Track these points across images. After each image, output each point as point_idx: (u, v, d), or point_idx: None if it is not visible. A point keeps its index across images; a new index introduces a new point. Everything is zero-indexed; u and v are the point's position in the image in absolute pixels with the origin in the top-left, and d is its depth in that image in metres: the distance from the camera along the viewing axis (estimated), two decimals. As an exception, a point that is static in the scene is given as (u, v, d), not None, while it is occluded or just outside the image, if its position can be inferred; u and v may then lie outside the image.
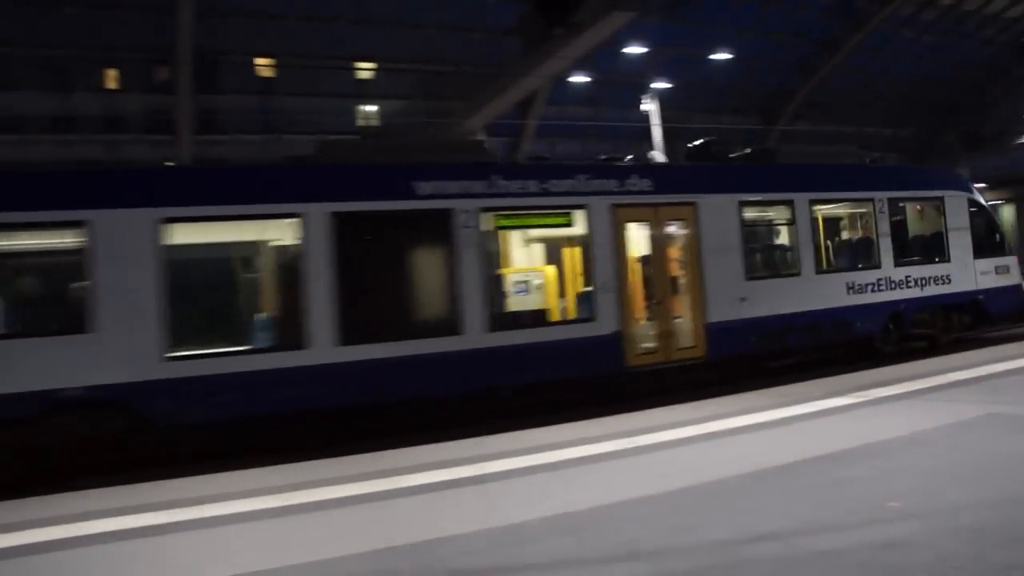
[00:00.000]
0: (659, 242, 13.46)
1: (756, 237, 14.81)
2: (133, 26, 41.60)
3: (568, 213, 12.80)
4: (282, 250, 11.53)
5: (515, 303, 12.82)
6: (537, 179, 12.60)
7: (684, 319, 13.56)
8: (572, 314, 13.23)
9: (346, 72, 44.02)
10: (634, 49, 34.48)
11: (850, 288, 15.02)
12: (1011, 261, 17.51)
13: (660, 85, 32.66)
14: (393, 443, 8.95)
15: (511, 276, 13.19)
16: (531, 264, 13.94)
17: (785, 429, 8.28)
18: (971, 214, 16.78)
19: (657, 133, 30.96)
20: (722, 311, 13.52)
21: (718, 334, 13.47)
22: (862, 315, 15.06)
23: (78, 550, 5.49)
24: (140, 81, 46.40)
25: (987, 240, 17.09)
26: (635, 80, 34.90)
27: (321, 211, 10.83)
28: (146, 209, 9.98)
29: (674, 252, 13.78)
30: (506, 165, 14.23)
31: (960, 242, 16.47)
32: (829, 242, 16.37)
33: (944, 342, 16.19)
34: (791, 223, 14.69)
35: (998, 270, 17.02)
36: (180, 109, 41.78)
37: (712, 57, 37.20)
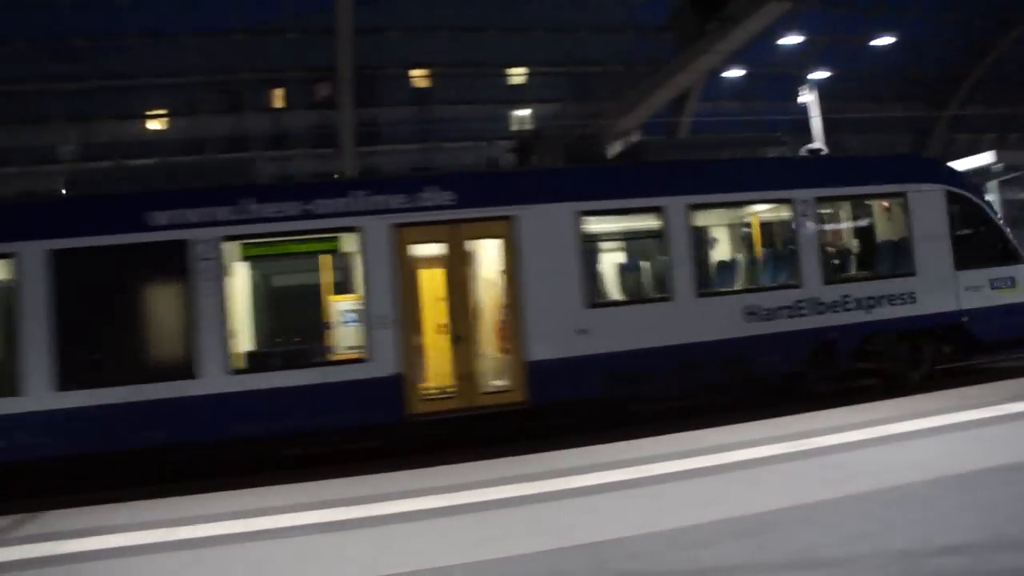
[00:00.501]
0: (460, 266, 11.44)
1: (604, 254, 12.59)
2: (296, 47, 43.78)
3: (335, 237, 11.17)
4: None
5: (266, 342, 11.44)
6: (299, 200, 11.00)
7: (495, 357, 11.75)
8: (339, 354, 11.12)
9: (499, 78, 44.73)
10: (790, 39, 33.28)
11: (750, 314, 12.04)
12: (1018, 271, 13.36)
13: (819, 75, 31.44)
14: (555, 444, 9.06)
15: (261, 312, 11.76)
16: (298, 297, 12.29)
17: (963, 435, 7.79)
18: (954, 212, 13.10)
19: (816, 125, 29.87)
20: (551, 346, 11.21)
21: (545, 374, 11.14)
22: (768, 348, 12.00)
23: (268, 542, 5.86)
24: (304, 98, 48.81)
25: (981, 245, 13.28)
26: (792, 71, 33.81)
27: (39, 249, 10.01)
28: None
29: (482, 277, 12.01)
30: (262, 187, 12.00)
31: (933, 249, 12.88)
32: (719, 256, 13.29)
33: (916, 380, 12.69)
34: (660, 234, 11.99)
35: (996, 284, 13.13)
36: (342, 123, 43.62)
37: (874, 43, 35.38)
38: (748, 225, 13.72)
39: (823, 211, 13.12)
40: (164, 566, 5.40)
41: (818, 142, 28.19)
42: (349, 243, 11.14)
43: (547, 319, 11.24)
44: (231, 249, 10.73)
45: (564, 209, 11.52)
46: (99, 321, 10.42)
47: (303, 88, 47.72)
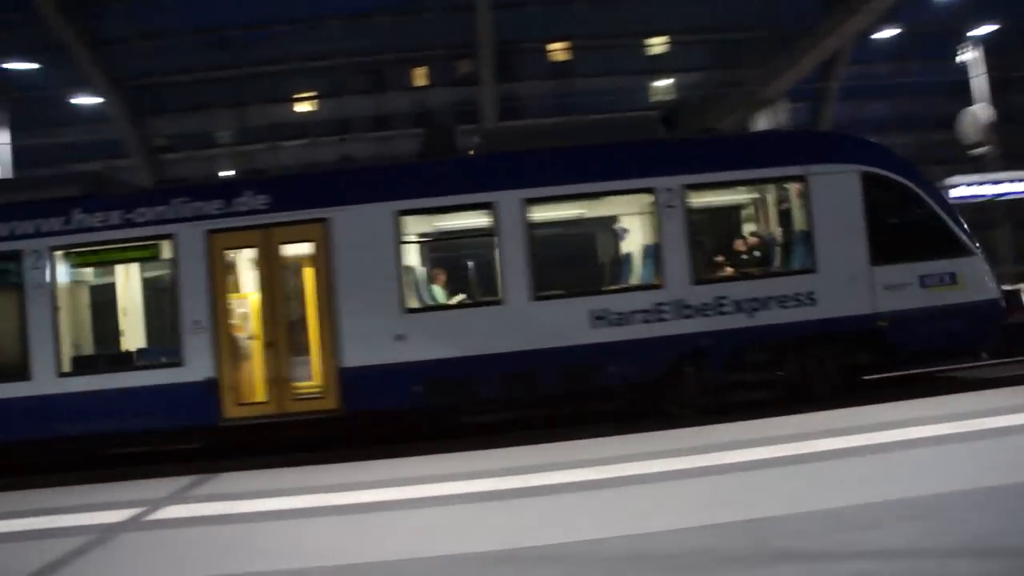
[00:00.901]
0: (273, 271, 11.29)
1: (428, 255, 12.04)
2: (437, 25, 44.35)
3: (154, 245, 11.28)
4: None
5: (92, 346, 11.78)
6: (122, 209, 11.18)
7: (308, 363, 11.27)
8: (157, 359, 11.29)
9: (640, 49, 44.08)
10: (950, -8, 31.22)
11: (597, 318, 10.90)
12: (962, 265, 11.21)
13: (983, 30, 29.38)
14: (709, 420, 8.94)
15: (86, 318, 11.93)
16: (121, 304, 12.14)
17: None
18: (874, 197, 11.20)
19: (980, 85, 27.97)
20: (366, 353, 10.85)
21: (359, 381, 10.83)
22: (620, 356, 10.87)
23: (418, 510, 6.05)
24: (446, 75, 49.52)
25: (910, 235, 11.44)
26: (951, 26, 31.76)
27: None
28: None
29: (294, 281, 11.80)
30: (88, 198, 11.59)
31: (841, 240, 11.13)
32: (562, 255, 12.26)
33: (824, 392, 11.01)
34: (491, 232, 11.14)
35: (929, 281, 11.06)
36: (484, 98, 44.03)
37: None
38: (599, 219, 12.60)
39: (694, 201, 11.41)
40: (330, 529, 5.63)
41: (982, 104, 26.44)
42: (166, 250, 11.25)
43: (362, 324, 10.89)
44: (59, 258, 11.23)
45: (381, 209, 11.07)
46: None
47: (445, 66, 48.41)
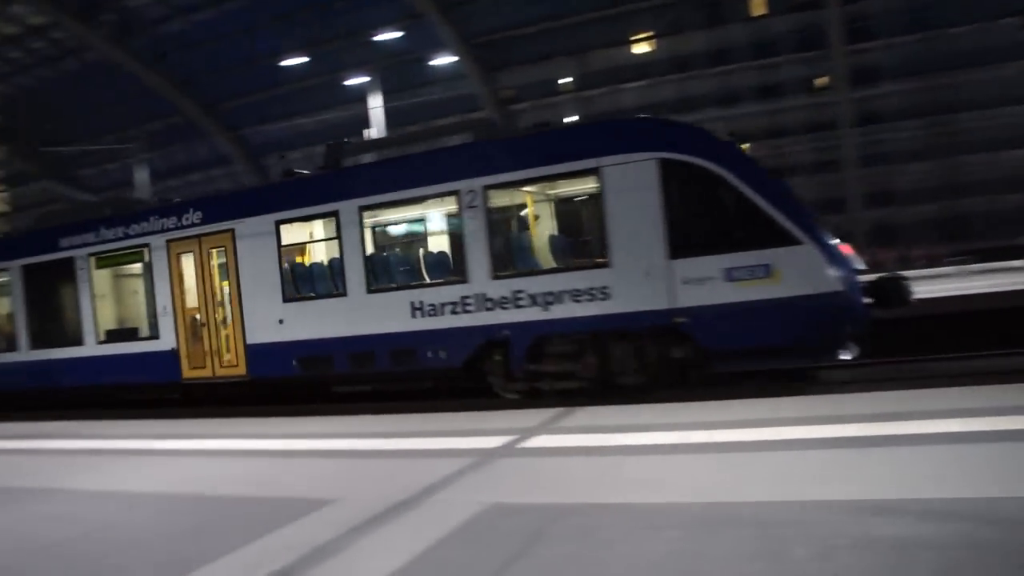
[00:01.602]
0: (204, 269, 14.38)
1: (295, 256, 13.95)
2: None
3: (140, 251, 15.08)
4: None
5: (110, 324, 15.94)
6: (124, 225, 15.30)
7: (228, 339, 14.10)
8: (145, 334, 15.25)
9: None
10: None
11: (416, 309, 12.13)
12: (781, 256, 9.92)
13: None
14: None
15: (107, 305, 16.03)
16: (126, 293, 16.29)
17: None
18: (673, 185, 10.45)
19: None
20: (260, 333, 13.60)
21: (257, 355, 13.67)
22: (434, 342, 11.96)
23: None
24: (784, 1, 47.15)
25: (716, 225, 10.54)
26: None
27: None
28: None
29: (217, 277, 14.35)
30: (108, 217, 15.78)
31: (636, 233, 10.62)
32: (391, 254, 13.50)
33: (635, 385, 10.73)
34: (336, 237, 12.95)
35: (736, 274, 10.03)
36: (829, 21, 41.30)
37: None
38: (418, 221, 13.80)
39: (494, 200, 11.86)
40: (693, 466, 5.60)
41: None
42: (147, 255, 15.01)
43: (258, 311, 13.62)
44: (93, 262, 15.76)
45: (266, 220, 13.50)
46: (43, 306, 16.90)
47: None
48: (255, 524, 4.98)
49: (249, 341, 13.77)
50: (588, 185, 11.42)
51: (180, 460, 7.86)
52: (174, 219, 14.69)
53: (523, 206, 12.60)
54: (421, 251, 13.27)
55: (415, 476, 5.92)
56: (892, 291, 10.53)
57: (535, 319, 11.30)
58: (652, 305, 10.54)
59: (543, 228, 12.53)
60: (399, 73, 47.54)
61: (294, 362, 13.31)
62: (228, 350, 14.19)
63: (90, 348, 15.79)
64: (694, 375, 10.89)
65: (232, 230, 13.92)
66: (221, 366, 14.23)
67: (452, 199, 12.07)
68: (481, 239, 11.70)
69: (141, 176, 40.26)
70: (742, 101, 50.53)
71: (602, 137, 11.34)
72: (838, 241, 10.32)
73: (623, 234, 10.75)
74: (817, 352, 10.70)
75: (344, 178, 13.37)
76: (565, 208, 12.54)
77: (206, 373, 14.44)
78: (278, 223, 13.46)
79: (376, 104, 29.44)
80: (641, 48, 52.88)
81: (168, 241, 14.68)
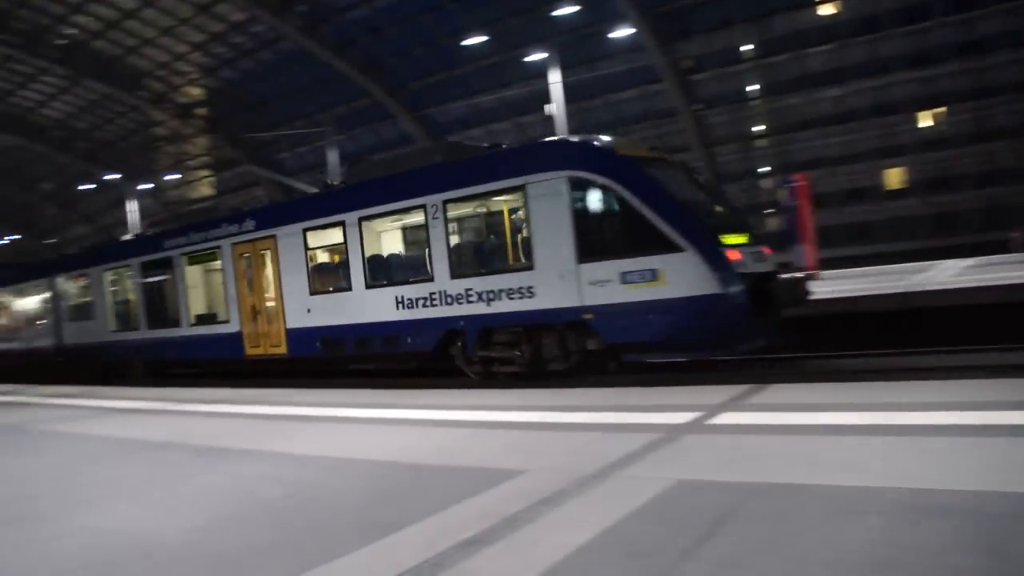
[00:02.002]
0: (257, 267, 17.36)
1: (317, 257, 16.35)
2: None
3: (215, 252, 18.34)
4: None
5: (196, 310, 19.43)
6: (206, 230, 18.69)
7: (275, 324, 16.88)
8: (221, 318, 18.42)
9: None
10: None
11: (400, 303, 14.52)
12: (667, 262, 11.13)
13: None
14: None
15: (196, 295, 19.57)
16: (208, 285, 19.69)
17: None
18: (580, 199, 12.00)
19: None
20: (296, 319, 16.35)
21: (294, 337, 16.42)
22: (413, 331, 14.35)
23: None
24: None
25: (613, 234, 11.81)
26: None
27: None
28: None
29: (267, 274, 17.12)
30: (194, 223, 19.69)
31: (552, 241, 12.26)
32: (381, 256, 15.62)
33: (562, 370, 12.63)
34: (343, 241, 15.44)
35: (629, 278, 11.40)
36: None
37: None
38: (400, 229, 15.72)
39: (451, 212, 13.89)
40: (890, 449, 5.33)
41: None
42: (219, 255, 18.27)
43: (293, 302, 16.46)
44: (184, 260, 19.36)
45: (296, 227, 16.41)
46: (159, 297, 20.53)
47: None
48: (447, 492, 5.16)
49: (288, 326, 16.69)
50: (518, 199, 12.92)
51: (372, 428, 8.26)
52: (236, 226, 17.90)
53: (472, 217, 14.45)
54: (402, 254, 15.61)
55: (601, 450, 5.95)
56: (767, 293, 11.44)
57: (481, 313, 13.28)
58: (566, 303, 12.18)
59: (486, 236, 14.38)
60: (577, 47, 47.47)
61: (318, 344, 16.03)
62: (275, 333, 17.08)
63: (184, 329, 19.49)
64: (612, 364, 12.97)
65: (275, 236, 16.88)
66: (271, 346, 17.17)
67: (421, 211, 14.15)
68: (442, 245, 13.81)
69: (332, 158, 42.20)
70: (940, 61, 47.22)
71: (527, 158, 13.13)
72: (731, 247, 11.43)
73: (543, 241, 12.44)
74: (705, 346, 12.02)
75: (349, 194, 15.85)
76: (502, 219, 13.93)
77: (261, 351, 17.46)
78: (305, 230, 16.29)
79: (555, 79, 29.51)
80: (827, 9, 50.20)
81: (233, 244, 17.92)
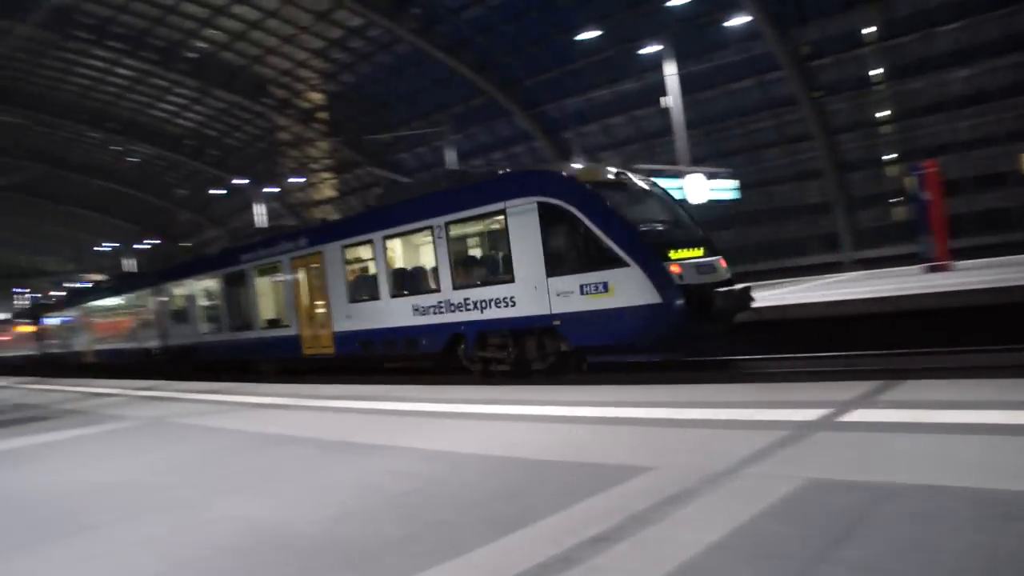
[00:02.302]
0: (311, 278, 20.35)
1: (354, 271, 19.06)
2: None
3: (277, 264, 21.51)
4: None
5: (266, 315, 22.59)
6: (271, 246, 21.99)
7: (325, 328, 19.68)
8: (284, 323, 21.46)
9: None
10: None
11: (416, 310, 16.89)
12: (614, 276, 13.12)
13: None
14: None
15: (264, 302, 22.61)
16: (272, 294, 22.54)
17: None
18: (547, 222, 14.06)
19: None
20: (340, 323, 19.16)
21: (339, 339, 19.24)
22: (426, 334, 16.68)
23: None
24: None
25: (572, 252, 13.76)
26: None
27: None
28: None
29: (317, 283, 19.98)
30: (261, 239, 23.05)
31: (528, 258, 14.43)
32: (402, 269, 17.96)
33: (542, 368, 14.82)
34: (373, 258, 18.31)
35: (586, 289, 13.46)
36: None
37: None
38: (417, 246, 17.92)
39: (452, 232, 16.12)
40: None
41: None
42: (280, 266, 21.19)
43: (338, 308, 19.09)
44: (255, 272, 22.50)
45: (337, 244, 19.14)
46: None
47: None
48: (572, 489, 5.16)
49: (334, 329, 19.23)
50: (502, 221, 14.85)
51: (495, 424, 8.30)
52: (293, 243, 20.84)
53: (468, 236, 16.52)
54: (416, 268, 17.68)
55: (728, 447, 5.83)
56: (707, 302, 12.94)
57: (476, 319, 15.48)
58: (539, 311, 14.20)
59: (480, 252, 16.49)
60: (692, 38, 46.67)
61: (357, 344, 18.49)
62: (324, 336, 19.66)
63: (256, 332, 22.60)
64: (583, 364, 14.76)
65: (322, 251, 19.65)
66: (321, 347, 19.81)
67: (429, 231, 16.47)
68: (446, 261, 16.11)
69: (450, 156, 42.80)
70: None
71: (508, 185, 15.05)
72: (675, 261, 13.10)
73: (521, 258, 14.46)
74: (652, 348, 13.64)
75: (375, 215, 18.43)
76: (491, 238, 15.90)
77: (314, 352, 20.16)
78: (343, 247, 18.99)
79: (671, 71, 29.11)
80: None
81: (291, 258, 20.86)
